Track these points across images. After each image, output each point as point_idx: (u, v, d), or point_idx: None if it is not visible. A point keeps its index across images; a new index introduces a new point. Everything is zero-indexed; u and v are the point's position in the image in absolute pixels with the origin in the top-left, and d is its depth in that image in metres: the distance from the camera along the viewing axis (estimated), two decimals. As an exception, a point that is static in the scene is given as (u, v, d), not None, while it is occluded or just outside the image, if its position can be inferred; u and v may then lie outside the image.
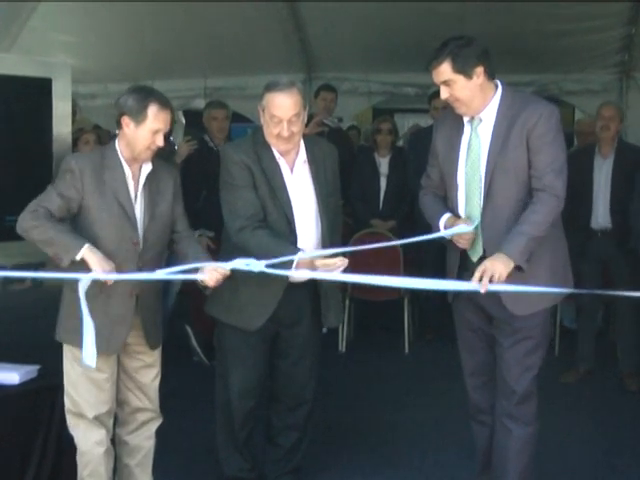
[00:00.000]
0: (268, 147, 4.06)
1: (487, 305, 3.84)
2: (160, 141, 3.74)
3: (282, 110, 3.93)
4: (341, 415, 5.64)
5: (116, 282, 3.67)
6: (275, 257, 3.75)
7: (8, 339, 4.08)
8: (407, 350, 7.10)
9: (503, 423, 3.94)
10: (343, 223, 8.06)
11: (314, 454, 4.79)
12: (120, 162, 3.78)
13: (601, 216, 6.04)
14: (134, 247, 3.77)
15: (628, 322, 6.14)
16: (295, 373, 4.30)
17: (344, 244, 7.07)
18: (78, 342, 3.72)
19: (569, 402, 5.87)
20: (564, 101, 10.08)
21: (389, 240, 7.05)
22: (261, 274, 3.75)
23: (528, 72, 9.14)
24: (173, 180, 3.95)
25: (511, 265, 3.55)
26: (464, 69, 3.64)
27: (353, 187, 7.64)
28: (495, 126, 3.73)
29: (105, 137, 7.27)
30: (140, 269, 3.77)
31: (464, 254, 3.85)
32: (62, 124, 4.73)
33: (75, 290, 3.63)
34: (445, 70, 3.64)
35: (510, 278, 3.58)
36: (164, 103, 3.77)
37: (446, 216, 3.82)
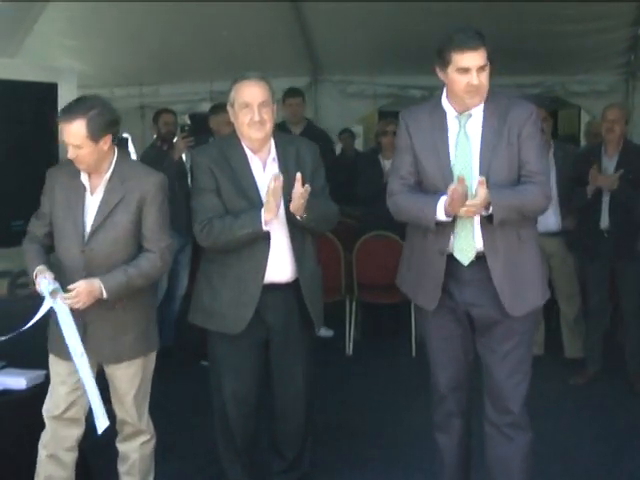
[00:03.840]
0: (239, 146, 4.08)
1: (481, 311, 3.72)
2: (70, 154, 3.68)
3: (251, 95, 3.98)
4: (349, 418, 5.63)
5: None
6: (241, 225, 3.90)
7: (15, 344, 4.06)
8: (414, 353, 7.08)
9: (504, 433, 3.81)
10: (347, 225, 8.14)
11: (321, 457, 4.79)
12: (78, 175, 3.79)
13: (607, 216, 6.02)
14: (81, 256, 3.74)
15: (635, 323, 6.12)
16: (289, 380, 4.25)
17: (350, 246, 7.11)
18: (49, 347, 3.92)
19: (578, 403, 5.85)
20: (570, 102, 10.07)
21: (396, 243, 7.05)
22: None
23: (533, 73, 9.14)
24: (142, 193, 3.78)
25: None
26: (490, 59, 3.59)
27: (359, 190, 7.64)
28: (484, 123, 3.66)
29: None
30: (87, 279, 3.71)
31: (450, 260, 3.69)
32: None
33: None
34: (484, 54, 3.54)
35: (508, 277, 3.62)
36: (65, 118, 3.67)
37: (444, 198, 3.56)
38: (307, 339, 4.28)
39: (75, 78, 4.86)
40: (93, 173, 3.77)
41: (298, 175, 3.84)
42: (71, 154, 3.67)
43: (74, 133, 3.62)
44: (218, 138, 4.28)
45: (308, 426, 4.39)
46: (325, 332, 7.38)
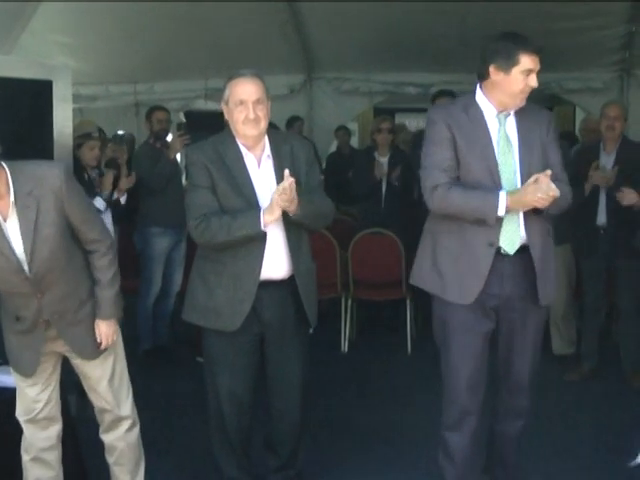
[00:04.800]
0: (234, 144, 4.06)
1: (517, 301, 3.89)
2: None
3: (246, 93, 3.95)
4: (344, 415, 5.63)
5: (24, 309, 3.67)
6: (240, 226, 3.86)
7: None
8: (410, 350, 7.08)
9: (515, 418, 4.11)
10: (344, 222, 8.14)
11: (317, 455, 4.78)
12: None
13: (604, 213, 6.02)
14: (25, 282, 3.58)
15: (631, 320, 6.13)
16: (285, 376, 4.23)
17: (346, 243, 7.12)
18: (9, 361, 3.86)
19: (573, 400, 5.86)
20: (565, 99, 10.09)
21: (393, 240, 7.07)
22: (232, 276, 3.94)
23: (529, 70, 9.13)
24: (54, 193, 3.53)
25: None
26: None
27: (354, 187, 7.65)
28: (519, 124, 3.86)
29: (104, 142, 7.26)
30: (42, 299, 3.64)
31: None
32: (63, 126, 4.74)
33: (3, 311, 3.76)
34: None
35: (542, 268, 3.85)
36: None
37: (504, 193, 3.70)
38: (302, 336, 4.27)
39: (70, 75, 4.84)
40: None
41: (286, 171, 3.82)
42: None
43: None
44: (212, 136, 4.23)
45: (303, 423, 4.38)
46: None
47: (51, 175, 3.56)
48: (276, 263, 4.05)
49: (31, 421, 3.89)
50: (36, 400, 3.86)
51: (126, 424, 4.06)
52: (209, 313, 4.08)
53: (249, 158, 4.06)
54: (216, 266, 4.06)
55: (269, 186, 4.02)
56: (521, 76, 3.72)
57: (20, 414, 3.90)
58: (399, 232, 7.07)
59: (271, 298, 4.08)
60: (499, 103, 3.82)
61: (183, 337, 6.85)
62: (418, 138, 8.04)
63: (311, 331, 4.31)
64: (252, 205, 3.96)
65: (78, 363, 3.90)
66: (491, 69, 3.76)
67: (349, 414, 5.67)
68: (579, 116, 11.83)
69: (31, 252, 3.54)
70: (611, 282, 6.21)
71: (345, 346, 7.20)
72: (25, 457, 3.94)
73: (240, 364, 4.14)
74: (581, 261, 6.30)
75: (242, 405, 4.22)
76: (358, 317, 7.61)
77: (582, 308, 6.48)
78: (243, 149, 4.06)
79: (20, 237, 3.53)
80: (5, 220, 3.52)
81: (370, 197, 7.55)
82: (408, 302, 7.15)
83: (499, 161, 3.79)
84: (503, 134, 3.81)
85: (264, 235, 3.94)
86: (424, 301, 7.47)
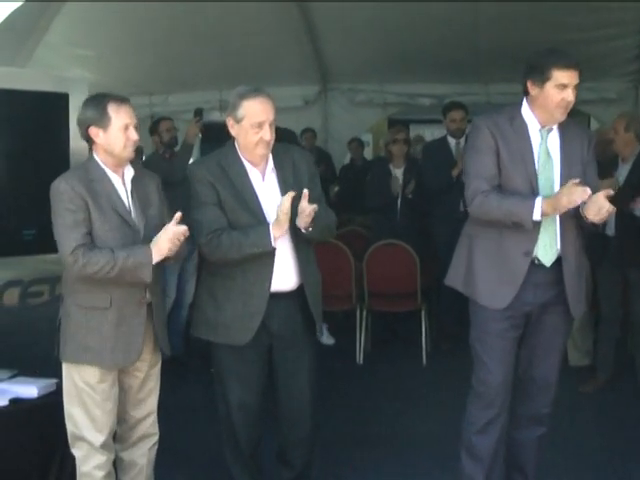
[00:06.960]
0: (237, 159, 4.06)
1: (549, 312, 4.00)
2: (134, 135, 3.74)
3: (266, 113, 3.93)
4: (359, 427, 5.62)
5: (127, 291, 3.71)
6: (252, 244, 3.88)
7: (26, 353, 4.08)
8: (425, 361, 7.08)
9: (536, 425, 4.20)
10: (358, 234, 8.16)
11: (331, 466, 4.79)
12: (105, 172, 3.76)
13: (612, 223, 5.99)
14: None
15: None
16: (293, 387, 4.22)
17: (360, 255, 7.13)
18: (86, 359, 3.73)
19: (588, 411, 5.84)
20: (579, 110, 10.07)
21: (407, 251, 7.06)
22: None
23: (543, 81, 9.12)
24: (156, 186, 3.97)
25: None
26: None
27: (369, 198, 7.65)
28: (562, 140, 3.94)
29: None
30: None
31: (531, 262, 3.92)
32: (79, 138, 4.75)
33: (80, 306, 3.69)
34: (578, 75, 3.82)
35: (574, 282, 3.97)
36: (120, 99, 3.75)
37: (540, 198, 3.79)
38: (310, 345, 4.27)
39: (86, 88, 4.85)
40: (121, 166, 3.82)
41: (305, 192, 3.83)
42: (134, 135, 3.78)
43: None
44: (215, 150, 4.24)
45: (315, 433, 4.38)
46: (327, 340, 7.35)
47: (152, 176, 4.02)
48: (285, 275, 4.06)
49: (107, 437, 3.84)
50: (114, 412, 3.85)
51: (153, 439, 4.09)
52: (219, 328, 4.09)
53: (253, 172, 4.06)
54: (225, 281, 4.07)
55: (274, 199, 4.02)
56: (555, 90, 3.80)
57: (93, 436, 3.81)
58: (414, 243, 7.08)
59: (280, 310, 4.08)
60: (541, 118, 3.91)
61: (197, 348, 6.86)
62: (426, 149, 8.09)
63: (327, 341, 4.30)
64: (259, 219, 3.97)
65: (138, 375, 3.93)
66: (528, 84, 3.88)
67: (364, 425, 5.67)
68: (593, 126, 11.82)
69: (145, 224, 3.81)
70: (626, 293, 6.19)
71: (360, 357, 7.19)
72: (98, 474, 3.82)
73: (250, 375, 4.14)
74: (596, 272, 6.27)
75: (253, 415, 4.22)
76: (373, 328, 7.60)
77: (597, 319, 6.46)
78: (247, 164, 4.06)
79: (136, 208, 3.81)
80: (129, 204, 3.82)
81: (384, 210, 7.56)
82: (423, 313, 7.14)
83: (539, 174, 3.89)
84: (544, 148, 3.91)
85: (274, 249, 3.97)
86: (439, 312, 7.55)
